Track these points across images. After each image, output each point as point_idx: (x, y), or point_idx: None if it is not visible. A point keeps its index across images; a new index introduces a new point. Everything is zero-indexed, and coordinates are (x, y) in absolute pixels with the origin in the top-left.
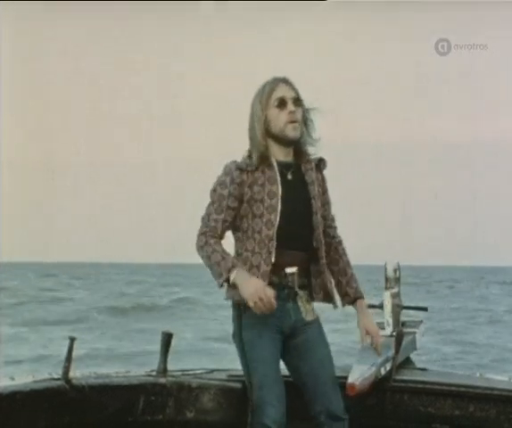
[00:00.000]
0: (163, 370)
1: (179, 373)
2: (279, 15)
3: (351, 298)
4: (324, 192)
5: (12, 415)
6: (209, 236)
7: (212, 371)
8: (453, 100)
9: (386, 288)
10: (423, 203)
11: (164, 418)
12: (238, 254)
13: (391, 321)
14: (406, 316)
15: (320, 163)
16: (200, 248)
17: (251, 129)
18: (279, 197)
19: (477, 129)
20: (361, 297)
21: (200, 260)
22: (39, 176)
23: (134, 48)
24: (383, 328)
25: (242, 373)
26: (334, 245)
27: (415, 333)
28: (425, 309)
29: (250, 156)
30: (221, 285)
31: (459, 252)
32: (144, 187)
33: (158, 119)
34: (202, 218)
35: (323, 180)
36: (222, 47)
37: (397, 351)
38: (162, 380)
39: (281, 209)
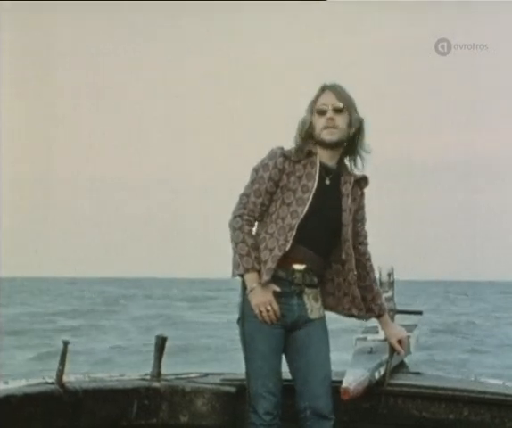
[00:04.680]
0: (157, 374)
1: (173, 377)
2: (279, 15)
3: (376, 314)
4: (360, 208)
5: (6, 419)
6: (245, 221)
7: (206, 375)
8: (452, 100)
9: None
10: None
11: (158, 422)
12: (257, 234)
13: None
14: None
15: (361, 180)
16: (233, 229)
17: (297, 128)
18: (312, 193)
19: (476, 129)
20: (385, 313)
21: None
22: (37, 190)
23: (135, 60)
24: (376, 332)
25: (235, 376)
26: (363, 262)
27: (409, 337)
28: (419, 313)
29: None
30: (233, 276)
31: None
32: (144, 201)
33: (157, 134)
34: (241, 197)
35: (361, 196)
36: (221, 48)
37: (391, 356)
38: (156, 384)
39: (310, 205)
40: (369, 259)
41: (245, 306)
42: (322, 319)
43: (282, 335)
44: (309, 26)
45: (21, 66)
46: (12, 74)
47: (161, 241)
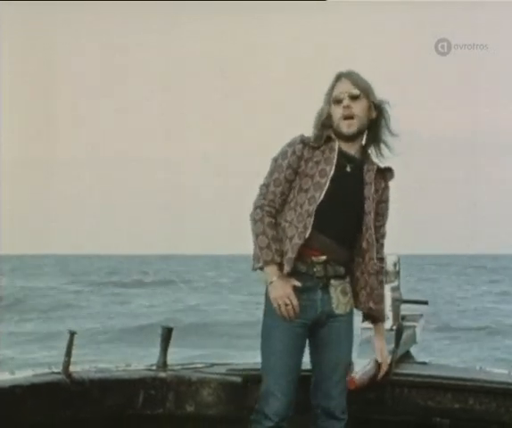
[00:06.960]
0: (163, 364)
1: (179, 367)
2: (279, 15)
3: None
4: (382, 201)
5: (13, 409)
6: (265, 212)
7: (212, 365)
8: (453, 99)
9: (386, 282)
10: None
11: (164, 412)
12: (277, 224)
13: (390, 315)
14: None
15: (386, 172)
16: (253, 221)
17: (314, 119)
18: (329, 178)
19: (477, 129)
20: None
21: None
22: (40, 172)
23: (134, 45)
24: None
25: (241, 367)
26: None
27: (414, 326)
28: (425, 303)
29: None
30: (254, 269)
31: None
32: (146, 183)
33: (159, 115)
34: (261, 188)
35: (384, 189)
36: (221, 49)
37: (397, 345)
38: (162, 374)
39: (327, 190)
40: (382, 260)
41: (268, 300)
42: (348, 315)
43: (301, 334)
44: (309, 25)
45: (23, 48)
46: (13, 58)
47: (163, 218)
